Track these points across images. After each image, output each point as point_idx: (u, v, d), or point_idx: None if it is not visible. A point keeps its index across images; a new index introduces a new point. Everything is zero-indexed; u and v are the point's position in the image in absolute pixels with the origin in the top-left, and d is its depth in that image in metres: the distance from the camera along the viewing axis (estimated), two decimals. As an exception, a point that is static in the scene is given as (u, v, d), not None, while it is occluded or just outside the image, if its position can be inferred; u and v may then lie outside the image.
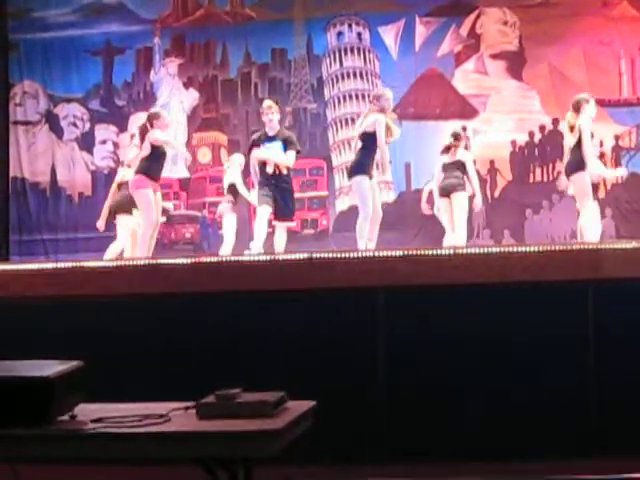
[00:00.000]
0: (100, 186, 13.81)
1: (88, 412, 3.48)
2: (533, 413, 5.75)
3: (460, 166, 10.86)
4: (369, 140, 9.62)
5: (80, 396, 3.55)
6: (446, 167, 10.83)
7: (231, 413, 3.37)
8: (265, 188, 9.83)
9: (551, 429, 5.72)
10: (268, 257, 6.60)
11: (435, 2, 13.90)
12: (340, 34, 14.22)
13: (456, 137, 11.04)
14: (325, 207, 13.96)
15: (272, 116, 10.03)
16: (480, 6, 13.86)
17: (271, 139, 9.99)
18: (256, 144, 10.07)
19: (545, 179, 13.55)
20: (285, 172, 9.93)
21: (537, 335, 5.77)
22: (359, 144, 9.81)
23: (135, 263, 6.65)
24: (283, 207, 9.92)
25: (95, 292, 5.96)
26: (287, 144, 9.94)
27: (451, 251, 6.50)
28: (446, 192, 10.74)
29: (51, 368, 3.46)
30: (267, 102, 10.48)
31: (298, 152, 10.11)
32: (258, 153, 9.97)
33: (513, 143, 13.65)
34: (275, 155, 9.88)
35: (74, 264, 6.66)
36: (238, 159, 11.70)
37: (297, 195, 13.83)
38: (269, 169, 9.86)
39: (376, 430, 5.73)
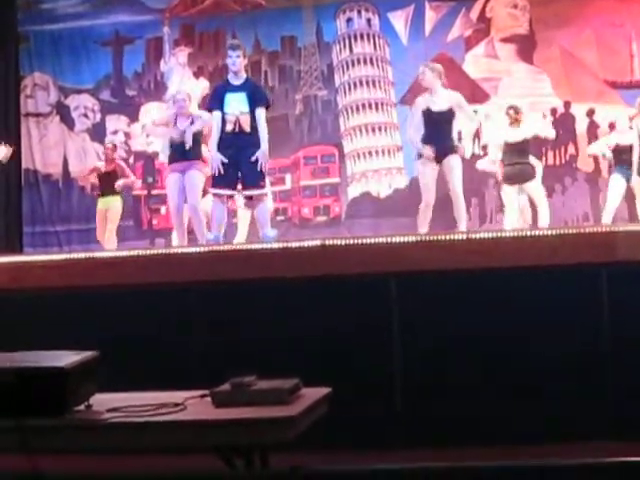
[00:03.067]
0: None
1: (103, 402, 3.49)
2: (548, 396, 5.73)
3: (527, 146, 10.78)
4: (435, 119, 8.97)
5: (95, 386, 3.56)
6: (510, 147, 10.72)
7: (246, 401, 3.38)
8: (224, 151, 8.34)
9: (566, 413, 5.70)
10: (280, 245, 6.59)
11: (445, -14, 13.88)
12: (349, 20, 14.20)
13: (516, 110, 10.92)
14: (337, 194, 13.95)
15: (237, 59, 8.44)
16: (490, -11, 13.82)
17: (234, 89, 8.45)
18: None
19: (557, 162, 13.51)
20: (248, 130, 8.32)
21: (552, 319, 5.75)
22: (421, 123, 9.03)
23: (149, 252, 6.66)
24: (246, 174, 8.36)
25: (108, 282, 5.97)
26: (254, 96, 8.42)
27: (464, 236, 6.48)
28: (515, 180, 10.70)
29: (66, 358, 3.47)
30: (233, 41, 9.48)
31: (268, 107, 8.66)
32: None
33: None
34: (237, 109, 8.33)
35: (87, 255, 6.67)
36: None
37: (309, 182, 13.96)
38: (228, 126, 8.34)
39: (391, 416, 5.73)
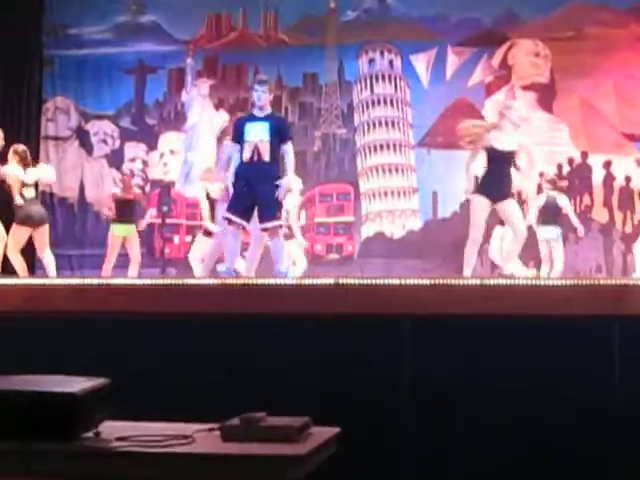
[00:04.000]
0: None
1: (113, 430, 3.49)
2: (552, 449, 5.69)
3: (557, 211, 11.02)
4: (499, 158, 8.72)
5: (105, 413, 3.56)
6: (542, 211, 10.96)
7: (256, 436, 3.38)
8: (240, 180, 8.23)
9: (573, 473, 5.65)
10: (294, 281, 6.60)
11: (467, 32, 13.95)
12: (372, 61, 14.29)
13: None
14: (351, 233, 13.97)
15: (262, 94, 8.32)
16: (512, 37, 13.89)
17: (256, 119, 8.30)
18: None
19: (573, 212, 13.51)
20: (267, 159, 8.14)
21: (564, 368, 5.73)
22: (484, 159, 8.85)
23: (162, 282, 6.68)
24: (262, 205, 8.17)
25: (122, 309, 5.98)
26: (278, 127, 8.30)
27: (478, 281, 6.48)
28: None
29: (77, 384, 3.47)
30: (261, 76, 9.30)
31: (290, 139, 8.46)
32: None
33: (541, 175, 13.62)
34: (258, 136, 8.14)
35: (100, 280, 6.69)
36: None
37: (323, 220, 13.99)
38: (246, 154, 8.16)
39: (399, 461, 5.70)
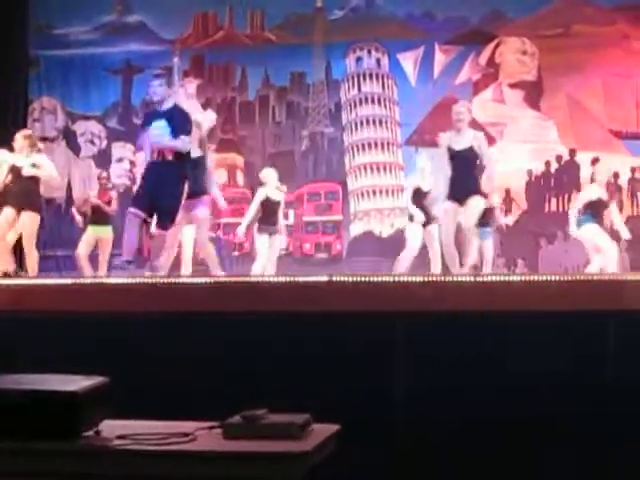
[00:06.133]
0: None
1: (113, 428, 3.45)
2: (547, 445, 5.70)
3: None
4: (457, 157, 8.92)
5: (105, 412, 3.52)
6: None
7: (257, 434, 3.34)
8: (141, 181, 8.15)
9: (568, 467, 5.65)
10: (287, 279, 6.58)
11: (455, 30, 13.97)
12: (359, 59, 14.28)
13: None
14: (339, 231, 13.96)
15: (158, 88, 8.36)
16: (500, 35, 13.90)
17: (158, 116, 8.19)
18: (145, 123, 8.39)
19: (560, 209, 13.55)
20: (170, 157, 8.01)
21: (558, 364, 5.74)
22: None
23: (154, 281, 6.65)
24: (161, 209, 8.03)
25: (115, 308, 5.95)
26: (175, 123, 8.06)
27: (472, 278, 6.48)
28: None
29: (77, 383, 3.44)
30: (156, 71, 9.41)
31: (189, 132, 8.20)
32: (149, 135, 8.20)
33: (529, 172, 13.67)
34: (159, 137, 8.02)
35: (94, 280, 6.66)
36: (272, 174, 11.58)
37: (312, 218, 13.97)
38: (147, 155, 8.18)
39: (394, 457, 5.70)
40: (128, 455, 3.29)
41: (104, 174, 13.06)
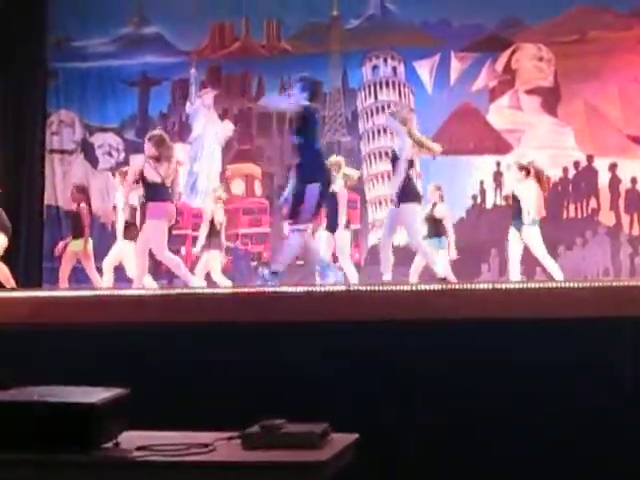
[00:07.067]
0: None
1: (132, 440, 3.47)
2: (564, 453, 5.65)
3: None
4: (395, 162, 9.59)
5: (124, 424, 3.54)
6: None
7: (276, 444, 3.35)
8: None
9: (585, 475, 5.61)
10: (305, 289, 6.58)
11: (471, 37, 13.96)
12: (375, 68, 14.30)
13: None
14: (357, 240, 13.93)
15: None
16: (516, 42, 13.88)
17: None
18: None
19: (579, 215, 13.51)
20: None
21: (578, 372, 5.71)
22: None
23: (175, 292, 6.67)
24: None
25: (133, 319, 5.97)
26: None
27: (489, 285, 6.47)
28: None
29: (96, 395, 3.45)
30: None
31: None
32: None
33: (547, 179, 13.60)
34: None
35: (112, 292, 6.68)
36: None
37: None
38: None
39: (410, 470, 5.68)
40: (148, 466, 3.31)
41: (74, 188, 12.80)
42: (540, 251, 10.62)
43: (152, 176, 8.92)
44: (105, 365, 5.30)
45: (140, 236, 9.36)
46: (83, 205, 12.10)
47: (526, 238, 10.62)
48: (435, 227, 11.89)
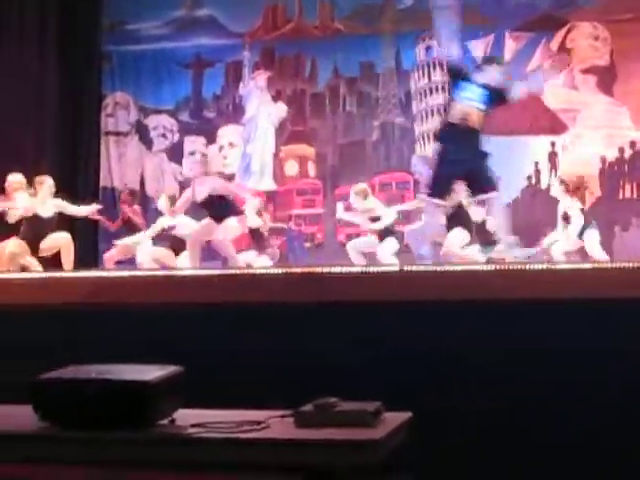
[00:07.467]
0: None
1: (187, 417, 3.51)
2: (592, 432, 5.58)
3: None
4: None
5: (179, 401, 3.58)
6: None
7: (330, 422, 3.38)
8: None
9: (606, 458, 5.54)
10: (359, 269, 6.60)
11: (525, 16, 13.81)
12: (429, 48, 14.21)
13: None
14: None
15: None
16: (571, 20, 13.73)
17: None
18: None
19: (635, 196, 13.37)
20: None
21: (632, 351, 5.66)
22: None
23: (228, 272, 6.72)
24: None
25: (189, 300, 6.02)
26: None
27: (544, 266, 6.44)
28: None
29: (151, 372, 3.50)
30: None
31: None
32: None
33: (603, 159, 13.48)
34: None
35: (165, 272, 6.74)
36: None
37: (383, 208, 13.93)
38: None
39: (464, 447, 5.68)
40: (203, 443, 3.35)
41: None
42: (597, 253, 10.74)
43: None
44: (160, 346, 5.35)
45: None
46: (136, 207, 12.61)
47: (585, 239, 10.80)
48: None
